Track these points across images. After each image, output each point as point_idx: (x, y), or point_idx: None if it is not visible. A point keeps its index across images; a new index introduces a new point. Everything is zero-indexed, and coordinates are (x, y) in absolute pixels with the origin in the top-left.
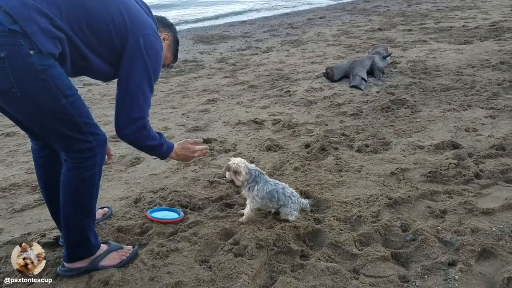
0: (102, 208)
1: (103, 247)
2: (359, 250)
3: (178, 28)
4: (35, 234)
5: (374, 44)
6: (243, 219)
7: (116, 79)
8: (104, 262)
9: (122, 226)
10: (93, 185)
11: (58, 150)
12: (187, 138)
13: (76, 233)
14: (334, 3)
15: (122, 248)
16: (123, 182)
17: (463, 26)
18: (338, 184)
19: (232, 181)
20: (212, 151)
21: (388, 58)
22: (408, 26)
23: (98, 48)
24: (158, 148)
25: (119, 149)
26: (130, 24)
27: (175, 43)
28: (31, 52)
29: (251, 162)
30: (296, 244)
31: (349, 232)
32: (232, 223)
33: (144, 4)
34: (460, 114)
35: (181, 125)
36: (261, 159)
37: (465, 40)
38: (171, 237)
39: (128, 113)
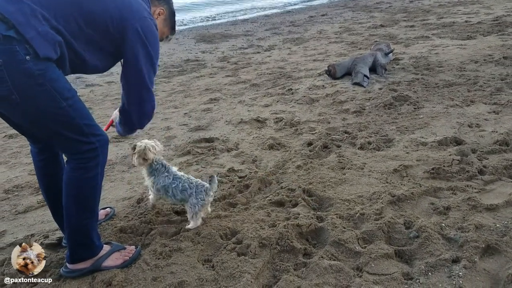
0: (104, 208)
1: (106, 247)
2: (362, 247)
3: (179, 28)
4: (38, 236)
5: (376, 41)
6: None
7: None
8: (107, 262)
9: (125, 226)
10: (96, 185)
11: (60, 152)
12: (189, 138)
13: (79, 233)
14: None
15: (124, 248)
16: (125, 183)
17: (466, 21)
18: (341, 182)
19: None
20: (215, 150)
21: (391, 54)
22: (410, 22)
23: (95, 40)
24: None
25: (121, 149)
26: (124, 10)
27: (171, 16)
28: (27, 57)
29: (253, 161)
30: (299, 242)
31: (352, 230)
32: (234, 222)
33: None
34: (463, 110)
35: (184, 124)
36: (263, 158)
37: (468, 35)
38: (174, 237)
39: (149, 95)
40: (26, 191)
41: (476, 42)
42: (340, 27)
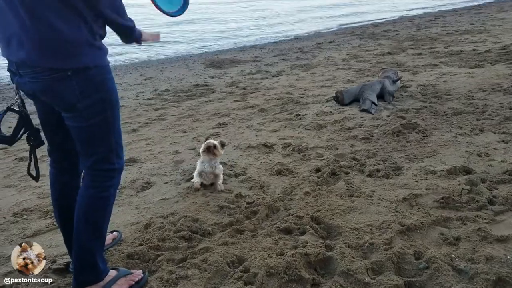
0: (111, 232)
1: (112, 273)
2: (371, 278)
3: (189, 53)
4: (45, 260)
5: (384, 68)
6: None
7: None
8: None
9: (132, 252)
10: (107, 207)
11: (82, 165)
12: (197, 162)
13: (85, 254)
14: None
15: (131, 273)
16: (133, 207)
17: (473, 49)
18: (350, 210)
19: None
20: (223, 176)
21: (398, 82)
22: (417, 50)
23: None
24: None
25: (130, 173)
26: None
27: None
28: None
29: (261, 186)
30: (307, 272)
31: (361, 260)
32: (242, 249)
33: None
34: (472, 138)
35: (192, 149)
36: (271, 184)
37: (476, 64)
38: (181, 264)
39: None
40: (35, 215)
41: (484, 71)
42: (347, 54)
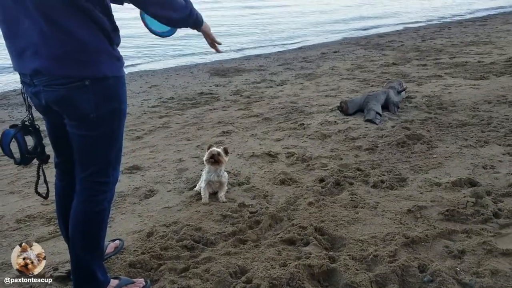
0: (113, 240)
1: (113, 282)
2: None
3: (193, 61)
4: (48, 267)
5: (388, 79)
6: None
7: None
8: None
9: (134, 261)
10: (102, 221)
11: (78, 176)
12: (201, 171)
13: (83, 266)
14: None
15: (133, 282)
16: (136, 215)
17: (479, 61)
18: (354, 221)
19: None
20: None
21: (403, 93)
22: (422, 61)
23: None
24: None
25: (133, 181)
26: None
27: None
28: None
29: (265, 196)
30: (310, 284)
31: (365, 272)
32: (244, 260)
33: None
34: (477, 150)
35: (196, 157)
36: (274, 193)
37: (481, 75)
38: (183, 274)
39: None
40: (38, 222)
41: (489, 83)
42: (352, 64)
